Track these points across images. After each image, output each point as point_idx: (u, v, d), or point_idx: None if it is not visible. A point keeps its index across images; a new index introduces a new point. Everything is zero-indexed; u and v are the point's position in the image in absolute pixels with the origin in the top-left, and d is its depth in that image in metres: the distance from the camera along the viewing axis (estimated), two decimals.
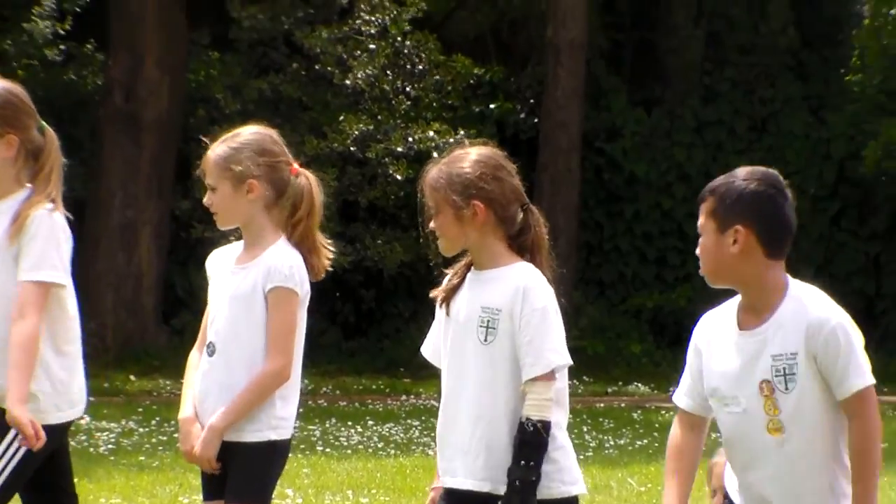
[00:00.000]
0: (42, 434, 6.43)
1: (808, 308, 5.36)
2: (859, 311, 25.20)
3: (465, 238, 6.06)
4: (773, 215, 5.49)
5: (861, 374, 5.25)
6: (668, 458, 5.70)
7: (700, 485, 7.30)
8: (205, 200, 6.79)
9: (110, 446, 16.97)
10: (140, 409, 20.37)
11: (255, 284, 6.52)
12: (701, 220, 5.50)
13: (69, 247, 6.74)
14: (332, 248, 7.00)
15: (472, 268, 6.14)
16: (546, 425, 5.80)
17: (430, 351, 6.21)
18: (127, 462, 15.56)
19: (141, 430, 18.27)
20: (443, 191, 6.04)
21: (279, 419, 6.51)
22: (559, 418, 5.94)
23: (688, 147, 31.12)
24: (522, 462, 5.73)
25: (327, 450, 17.28)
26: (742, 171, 5.51)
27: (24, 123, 6.75)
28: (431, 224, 6.21)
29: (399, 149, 27.40)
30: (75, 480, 7.99)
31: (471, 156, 6.10)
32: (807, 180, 29.56)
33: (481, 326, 5.96)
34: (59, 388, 6.73)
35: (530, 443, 5.76)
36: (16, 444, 6.72)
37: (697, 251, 5.52)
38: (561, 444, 5.88)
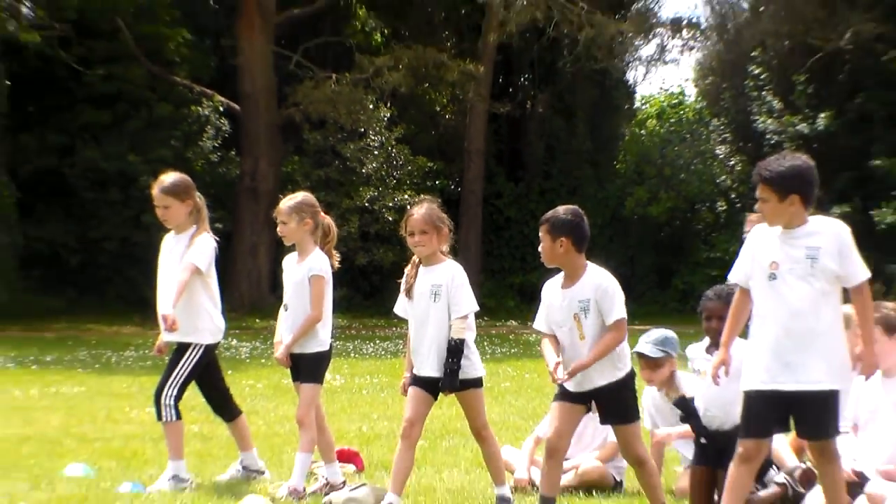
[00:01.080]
0: (175, 324, 6.91)
1: (596, 276, 5.83)
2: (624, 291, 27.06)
3: (436, 248, 6.34)
4: (580, 231, 5.83)
5: (618, 312, 5.80)
6: (542, 346, 6.08)
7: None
8: (278, 230, 7.04)
9: (247, 354, 18.04)
10: (261, 336, 20.75)
11: (304, 274, 6.90)
12: (541, 235, 5.85)
13: (213, 255, 7.17)
14: (338, 255, 7.19)
15: (422, 265, 6.35)
16: (461, 341, 6.16)
17: (400, 309, 6.50)
18: (255, 363, 16.46)
19: (261, 346, 18.65)
20: (433, 221, 6.28)
21: (321, 340, 6.94)
22: (470, 338, 6.27)
23: (536, 202, 31.25)
24: (449, 360, 6.15)
25: (355, 355, 18.20)
26: (562, 209, 5.91)
27: (193, 194, 7.23)
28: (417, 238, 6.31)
29: (390, 204, 28.34)
30: (229, 373, 8.24)
31: (426, 204, 6.42)
32: (595, 220, 28.63)
33: (432, 294, 6.27)
34: (214, 326, 7.25)
35: (453, 350, 6.14)
36: (193, 355, 7.16)
37: (540, 249, 5.86)
38: (473, 350, 6.28)
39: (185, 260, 7.01)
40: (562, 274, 5.93)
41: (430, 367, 6.24)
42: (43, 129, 27.21)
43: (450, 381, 6.14)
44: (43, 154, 27.03)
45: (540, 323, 6.01)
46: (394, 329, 22.90)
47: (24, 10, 27.72)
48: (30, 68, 27.15)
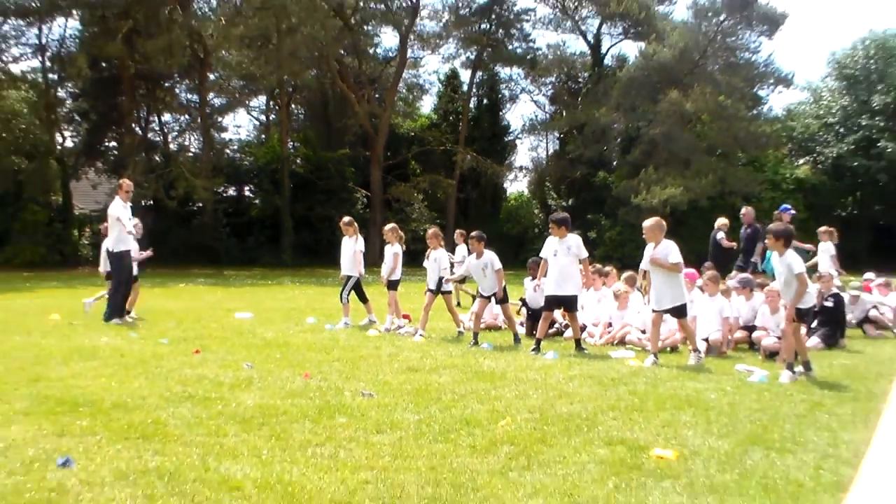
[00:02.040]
0: (362, 273, 6.25)
1: (490, 255, 5.29)
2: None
3: (437, 245, 5.57)
4: (484, 239, 5.31)
5: (498, 266, 5.19)
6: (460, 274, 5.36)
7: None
8: (384, 237, 6.31)
9: (371, 280, 13.28)
10: (376, 273, 15.06)
11: (392, 252, 6.15)
12: (471, 240, 5.35)
13: (364, 246, 6.43)
14: (404, 246, 6.38)
15: (431, 251, 5.71)
16: (444, 278, 5.60)
17: (425, 264, 5.77)
18: (373, 284, 11.18)
19: (376, 278, 13.32)
20: (436, 235, 5.75)
21: (397, 274, 6.05)
22: (448, 276, 5.64)
23: (472, 230, 25.23)
24: (441, 284, 5.52)
25: (408, 281, 13.93)
26: (475, 231, 5.45)
27: (355, 223, 6.41)
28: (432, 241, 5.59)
29: (422, 228, 24.48)
30: (365, 287, 6.79)
31: (434, 227, 5.85)
32: (491, 236, 20.73)
33: (434, 261, 5.74)
34: (361, 269, 6.46)
35: (442, 281, 5.50)
36: (353, 280, 6.43)
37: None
38: (449, 282, 5.60)
39: (356, 249, 6.44)
40: (475, 253, 5.59)
41: (433, 285, 5.91)
42: (303, 203, 24.23)
43: (442, 293, 5.84)
44: (300, 210, 24.70)
45: (464, 271, 5.70)
46: (421, 271, 18.86)
47: (299, 160, 26.81)
48: (299, 179, 25.24)
